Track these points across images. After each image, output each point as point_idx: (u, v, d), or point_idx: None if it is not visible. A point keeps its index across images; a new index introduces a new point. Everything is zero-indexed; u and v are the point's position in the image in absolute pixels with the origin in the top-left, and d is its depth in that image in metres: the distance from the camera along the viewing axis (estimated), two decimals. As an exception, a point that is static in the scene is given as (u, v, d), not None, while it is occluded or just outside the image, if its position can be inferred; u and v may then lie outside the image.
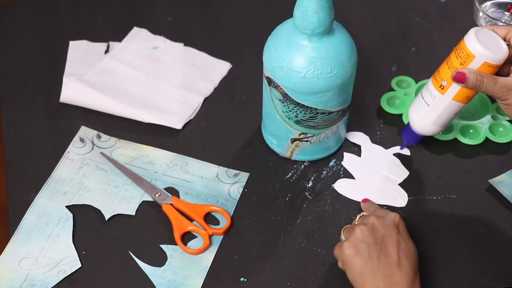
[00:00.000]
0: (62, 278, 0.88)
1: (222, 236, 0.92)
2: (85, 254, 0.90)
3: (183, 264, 0.89)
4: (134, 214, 0.94)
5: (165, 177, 0.97)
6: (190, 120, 1.04)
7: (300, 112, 0.91)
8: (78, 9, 1.19)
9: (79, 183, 0.96)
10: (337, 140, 0.99)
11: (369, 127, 1.03)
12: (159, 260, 0.90)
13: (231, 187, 0.96)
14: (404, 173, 0.98)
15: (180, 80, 1.09)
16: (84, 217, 0.93)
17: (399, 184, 0.97)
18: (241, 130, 1.03)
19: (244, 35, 1.16)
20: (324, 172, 0.98)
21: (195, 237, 0.92)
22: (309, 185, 0.97)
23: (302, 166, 0.99)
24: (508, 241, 0.92)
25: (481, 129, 1.02)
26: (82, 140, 1.01)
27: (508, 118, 1.02)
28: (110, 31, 1.15)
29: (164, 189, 0.96)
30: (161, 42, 1.14)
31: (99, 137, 1.01)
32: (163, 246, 0.91)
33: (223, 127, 1.04)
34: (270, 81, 0.90)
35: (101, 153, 1.00)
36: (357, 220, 0.87)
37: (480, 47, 0.82)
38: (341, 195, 0.96)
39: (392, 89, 1.08)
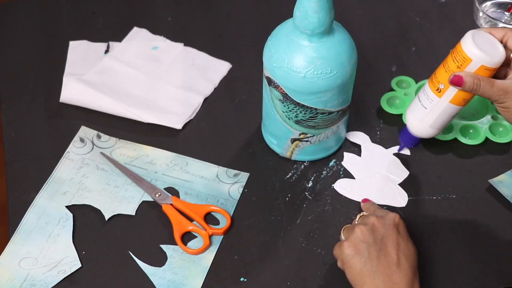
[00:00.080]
0: (62, 278, 0.88)
1: (222, 236, 0.92)
2: (85, 254, 0.90)
3: (183, 264, 0.89)
4: (134, 214, 0.94)
5: (165, 177, 0.97)
6: (190, 120, 1.04)
7: (300, 112, 0.91)
8: (78, 9, 1.19)
9: (79, 183, 0.96)
10: (337, 140, 0.99)
11: (369, 127, 1.03)
12: (159, 260, 0.90)
13: (231, 187, 0.96)
14: (404, 173, 0.98)
15: (180, 80, 1.09)
16: (84, 217, 0.93)
17: (399, 184, 0.97)
18: (241, 130, 1.03)
19: (244, 35, 1.16)
20: (324, 172, 0.98)
21: (195, 237, 0.92)
22: (309, 185, 0.97)
23: (302, 166, 0.99)
24: (508, 241, 0.92)
25: (481, 129, 1.02)
26: (82, 140, 1.01)
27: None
28: (110, 31, 1.15)
29: (164, 189, 0.96)
30: (161, 42, 1.14)
31: (99, 137, 1.01)
32: (163, 246, 0.91)
33: (223, 127, 1.04)
34: (270, 81, 0.90)
35: (101, 153, 1.00)
36: (357, 220, 0.87)
37: (477, 50, 0.81)
38: (341, 195, 0.96)
39: (392, 89, 1.08)
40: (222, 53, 1.13)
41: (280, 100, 0.91)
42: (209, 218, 0.94)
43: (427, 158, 1.00)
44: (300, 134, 0.95)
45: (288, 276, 0.88)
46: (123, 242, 0.91)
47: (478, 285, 0.88)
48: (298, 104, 0.90)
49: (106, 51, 1.13)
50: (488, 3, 1.04)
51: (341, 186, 0.97)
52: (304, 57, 0.86)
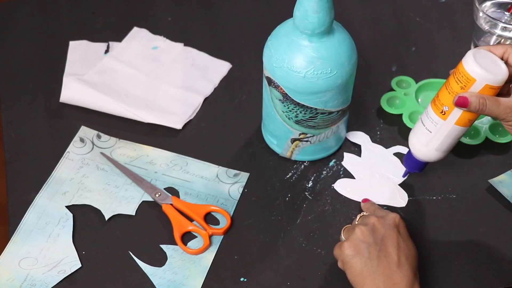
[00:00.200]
0: (62, 278, 0.88)
1: (222, 236, 0.92)
2: (85, 254, 0.90)
3: (183, 264, 0.89)
4: (134, 214, 0.94)
5: (165, 177, 0.97)
6: (190, 120, 1.04)
7: (300, 112, 0.91)
8: (78, 9, 1.19)
9: (79, 183, 0.96)
10: (337, 140, 0.99)
11: (369, 127, 1.03)
12: (159, 260, 0.90)
13: (231, 187, 0.96)
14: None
15: (180, 80, 1.09)
16: (84, 217, 0.93)
17: (399, 184, 0.97)
18: (241, 130, 1.03)
19: (244, 35, 1.16)
20: (324, 172, 0.98)
21: (195, 237, 0.92)
22: (309, 185, 0.97)
23: (302, 166, 0.99)
24: (508, 241, 0.92)
25: (481, 129, 1.02)
26: (82, 140, 1.01)
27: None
28: (110, 31, 1.15)
29: (164, 189, 0.96)
30: (161, 42, 1.14)
31: (99, 137, 1.01)
32: (163, 246, 0.91)
33: (223, 127, 1.04)
34: (270, 81, 0.90)
35: (101, 153, 1.00)
36: (357, 220, 0.87)
37: (480, 70, 0.79)
38: (341, 195, 0.96)
39: (392, 89, 1.08)
40: (222, 53, 1.13)
41: (280, 100, 0.91)
42: (209, 218, 0.94)
43: (427, 158, 1.00)
44: (300, 134, 0.95)
45: (288, 276, 0.88)
46: (123, 242, 0.91)
47: (478, 285, 0.88)
48: (298, 104, 0.90)
49: (106, 51, 1.13)
50: (488, 3, 1.03)
51: (341, 186, 0.97)
52: (304, 57, 0.86)
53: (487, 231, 0.93)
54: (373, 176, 0.98)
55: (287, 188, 0.97)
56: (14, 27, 1.16)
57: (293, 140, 0.96)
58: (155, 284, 0.87)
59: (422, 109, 1.03)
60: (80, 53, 1.12)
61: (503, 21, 1.01)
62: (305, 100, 0.89)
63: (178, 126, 1.03)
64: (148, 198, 0.95)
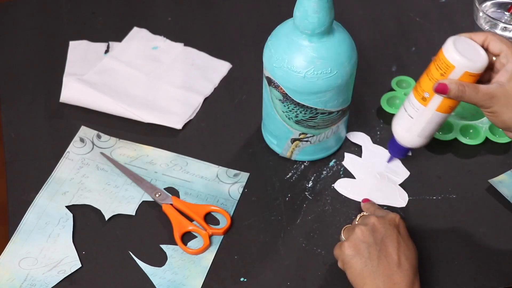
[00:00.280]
0: (62, 278, 0.88)
1: (222, 236, 0.92)
2: (85, 254, 0.90)
3: (183, 264, 0.89)
4: (134, 214, 0.94)
5: (165, 177, 0.97)
6: (190, 120, 1.04)
7: (300, 112, 0.91)
8: (78, 9, 1.19)
9: (79, 183, 0.96)
10: (337, 140, 0.99)
11: (369, 127, 1.03)
12: (159, 260, 0.90)
13: (231, 187, 0.96)
14: (404, 173, 0.98)
15: (180, 80, 1.09)
16: (84, 217, 0.93)
17: (399, 184, 0.97)
18: (241, 130, 1.03)
19: (244, 35, 1.16)
20: (324, 172, 0.98)
21: (195, 237, 0.92)
22: (309, 185, 0.97)
23: (302, 166, 0.99)
24: (508, 241, 0.92)
25: (481, 129, 1.02)
26: (82, 140, 1.01)
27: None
28: (110, 31, 1.15)
29: (164, 189, 0.96)
30: (161, 42, 1.14)
31: (99, 137, 1.01)
32: (163, 246, 0.91)
33: (223, 127, 1.04)
34: (270, 81, 0.90)
35: (101, 153, 1.00)
36: (357, 220, 0.87)
37: (459, 57, 0.80)
38: (341, 195, 0.96)
39: (392, 89, 1.08)
40: (222, 53, 1.13)
41: (280, 100, 0.91)
42: (209, 218, 0.94)
43: (427, 158, 1.00)
44: (300, 134, 0.95)
45: (288, 276, 0.88)
46: (123, 242, 0.91)
47: (478, 285, 0.88)
48: (298, 104, 0.90)
49: (106, 51, 1.13)
50: (488, 3, 1.04)
51: (341, 186, 0.97)
52: (304, 57, 0.86)
53: (487, 231, 0.93)
54: (373, 176, 0.98)
55: (287, 188, 0.97)
56: (14, 27, 1.16)
57: (293, 140, 0.96)
58: (155, 284, 0.87)
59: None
60: (80, 53, 1.12)
61: (503, 21, 1.01)
62: (305, 100, 0.89)
63: (178, 126, 1.03)
64: (148, 198, 0.95)
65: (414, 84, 1.07)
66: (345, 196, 0.96)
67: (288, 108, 0.91)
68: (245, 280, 0.88)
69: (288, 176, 0.98)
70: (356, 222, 0.87)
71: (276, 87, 0.89)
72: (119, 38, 1.14)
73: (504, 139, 1.01)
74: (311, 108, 0.90)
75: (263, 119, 1.00)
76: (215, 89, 1.08)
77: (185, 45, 1.14)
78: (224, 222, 0.93)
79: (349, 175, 0.98)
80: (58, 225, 0.92)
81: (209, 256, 0.90)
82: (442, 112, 0.85)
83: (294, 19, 0.85)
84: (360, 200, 0.95)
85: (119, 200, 0.95)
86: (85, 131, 1.02)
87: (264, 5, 1.21)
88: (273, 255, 0.90)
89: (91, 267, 0.89)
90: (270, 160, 0.99)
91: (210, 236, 0.91)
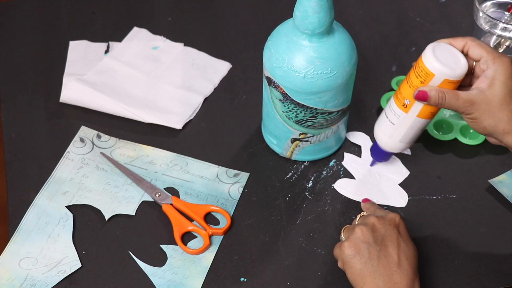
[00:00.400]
0: (62, 278, 0.88)
1: (222, 236, 0.92)
2: (85, 254, 0.90)
3: (183, 264, 0.89)
4: (134, 214, 0.94)
5: (165, 177, 0.97)
6: (190, 120, 1.04)
7: (300, 112, 0.91)
8: (78, 9, 1.19)
9: (79, 183, 0.96)
10: (337, 140, 0.99)
11: (369, 127, 1.03)
12: (159, 260, 0.90)
13: (231, 187, 0.96)
14: (404, 173, 0.98)
15: (180, 80, 1.09)
16: (84, 217, 0.93)
17: (399, 184, 0.97)
18: (241, 130, 1.03)
19: (244, 35, 1.16)
20: (324, 172, 0.98)
21: (195, 237, 0.92)
22: (309, 185, 0.97)
23: (302, 166, 0.99)
24: (508, 241, 0.92)
25: (481, 129, 1.02)
26: (82, 140, 1.01)
27: (508, 118, 1.02)
28: (110, 31, 1.15)
29: (164, 189, 0.96)
30: (161, 42, 1.14)
31: (99, 137, 1.01)
32: (163, 246, 0.91)
33: (223, 127, 1.04)
34: (270, 81, 0.90)
35: (101, 153, 1.00)
36: (357, 220, 0.87)
37: (438, 65, 0.80)
38: (341, 195, 0.96)
39: (392, 89, 1.08)
40: (222, 53, 1.13)
41: (280, 100, 0.91)
42: (209, 218, 0.94)
43: (427, 158, 1.00)
44: (300, 134, 0.95)
45: (288, 276, 0.88)
46: (123, 242, 0.91)
47: (478, 285, 0.88)
48: (298, 104, 0.90)
49: (106, 51, 1.13)
50: (488, 3, 1.04)
51: (341, 186, 0.97)
52: (304, 57, 0.86)
53: (487, 231, 0.93)
54: (373, 176, 0.98)
55: (287, 188, 0.97)
56: (14, 27, 1.16)
57: (293, 140, 0.96)
58: (155, 284, 0.87)
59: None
60: (80, 53, 1.12)
61: (503, 21, 1.01)
62: (305, 100, 0.89)
63: (178, 126, 1.03)
64: (148, 198, 0.95)
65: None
66: (345, 196, 0.96)
67: (288, 108, 0.91)
68: (245, 280, 0.88)
69: (288, 176, 0.98)
70: (356, 222, 0.87)
71: (276, 87, 0.89)
72: (119, 38, 1.14)
73: (504, 139, 1.01)
74: (311, 108, 0.90)
75: (263, 119, 1.00)
76: (215, 89, 1.08)
77: (185, 45, 1.14)
78: (224, 222, 0.93)
79: (349, 175, 0.98)
80: (58, 225, 0.92)
81: (209, 256, 0.90)
82: (423, 118, 0.86)
83: (294, 19, 0.85)
84: (360, 200, 0.95)
85: (119, 200, 0.95)
86: (85, 131, 1.02)
87: (264, 5, 1.21)
88: (273, 255, 0.90)
89: (91, 267, 0.89)
90: (270, 160, 0.99)
91: (210, 236, 0.91)
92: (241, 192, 0.96)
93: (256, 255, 0.90)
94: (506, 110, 0.79)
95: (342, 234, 0.88)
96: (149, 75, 1.09)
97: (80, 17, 1.18)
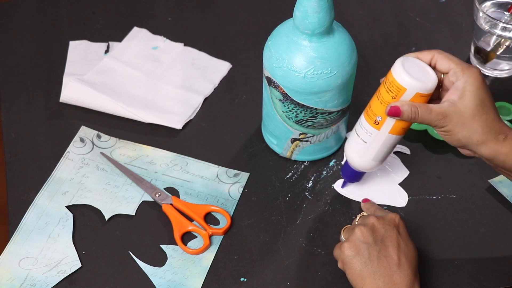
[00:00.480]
0: (62, 278, 0.88)
1: (222, 236, 0.92)
2: (85, 254, 0.90)
3: (183, 264, 0.89)
4: (134, 214, 0.94)
5: (165, 177, 0.97)
6: (190, 120, 1.04)
7: (300, 112, 0.91)
8: (78, 9, 1.19)
9: (79, 183, 0.96)
10: (337, 140, 0.99)
11: (369, 127, 1.03)
12: (159, 260, 0.90)
13: (231, 187, 0.96)
14: (404, 173, 0.98)
15: (180, 80, 1.09)
16: (84, 217, 0.93)
17: (399, 184, 0.97)
18: (241, 130, 1.03)
19: (244, 35, 1.16)
20: (324, 172, 0.98)
21: (195, 237, 0.92)
22: (309, 185, 0.97)
23: (302, 166, 0.99)
24: (508, 241, 0.92)
25: (481, 129, 1.02)
26: (82, 140, 1.01)
27: (508, 118, 1.02)
28: (110, 31, 1.15)
29: (164, 189, 0.96)
30: (161, 42, 1.14)
31: (99, 137, 1.01)
32: (163, 246, 0.91)
33: (223, 127, 1.04)
34: (270, 81, 0.90)
35: (101, 153, 1.00)
36: (357, 220, 0.87)
37: (409, 79, 0.79)
38: (341, 195, 0.96)
39: (392, 89, 1.07)
40: (222, 53, 1.13)
41: (280, 100, 0.91)
42: (209, 218, 0.94)
43: (427, 158, 1.00)
44: (300, 134, 0.95)
45: (288, 276, 0.88)
46: (123, 242, 0.91)
47: (478, 285, 0.88)
48: (298, 104, 0.90)
49: (106, 51, 1.13)
50: (488, 3, 1.04)
51: (341, 186, 0.97)
52: (304, 57, 0.86)
53: (487, 231, 0.93)
54: (373, 176, 0.98)
55: (287, 188, 0.97)
56: (14, 27, 1.16)
57: (293, 140, 0.96)
58: (155, 284, 0.87)
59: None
60: (80, 53, 1.12)
61: (503, 21, 1.01)
62: (305, 100, 0.89)
63: (178, 126, 1.03)
64: (148, 198, 0.95)
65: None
66: (345, 196, 0.96)
67: (288, 108, 0.91)
68: (245, 280, 0.88)
69: (288, 176, 0.98)
70: (356, 222, 0.87)
71: (276, 87, 0.89)
72: (119, 38, 1.14)
73: (504, 139, 1.01)
74: (311, 108, 0.90)
75: (263, 119, 1.00)
76: (215, 89, 1.08)
77: (185, 45, 1.14)
78: (224, 222, 0.93)
79: (349, 175, 0.98)
80: (58, 225, 0.92)
81: (209, 256, 0.90)
82: (395, 134, 0.84)
83: (294, 19, 0.85)
84: (360, 200, 0.95)
85: (119, 200, 0.95)
86: (85, 131, 1.02)
87: (264, 5, 1.21)
88: (273, 255, 0.90)
89: (91, 267, 0.89)
90: (270, 160, 0.99)
91: (210, 236, 0.91)
92: (241, 192, 0.96)
93: (256, 255, 0.90)
94: (479, 121, 0.78)
95: (342, 235, 0.88)
96: (149, 75, 1.09)
97: (80, 17, 1.18)
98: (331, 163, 0.99)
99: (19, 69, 1.10)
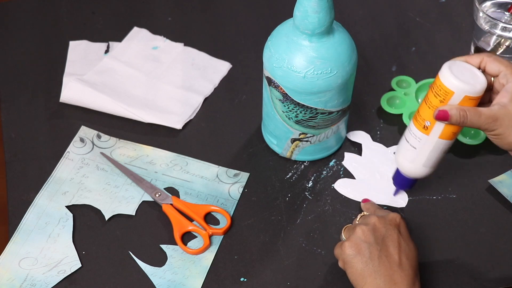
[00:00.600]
0: (62, 278, 0.88)
1: (222, 236, 0.92)
2: (85, 254, 0.90)
3: (183, 264, 0.89)
4: (134, 214, 0.94)
5: (165, 177, 0.97)
6: (190, 120, 1.04)
7: (300, 112, 0.91)
8: (78, 9, 1.19)
9: (79, 183, 0.96)
10: (337, 140, 0.99)
11: (369, 127, 1.03)
12: (159, 260, 0.90)
13: (231, 187, 0.96)
14: (404, 173, 0.98)
15: (180, 80, 1.09)
16: (84, 217, 0.93)
17: (399, 184, 0.97)
18: (241, 130, 1.03)
19: (244, 35, 1.16)
20: (324, 172, 0.98)
21: (195, 237, 0.92)
22: (309, 185, 0.97)
23: (302, 166, 0.99)
24: (508, 241, 0.92)
25: (481, 129, 1.02)
26: (82, 140, 1.01)
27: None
28: (110, 31, 1.15)
29: (164, 189, 0.96)
30: (161, 42, 1.14)
31: (99, 137, 1.01)
32: (163, 246, 0.91)
33: (223, 127, 1.04)
34: (270, 81, 0.90)
35: (101, 153, 1.00)
36: (357, 220, 0.87)
37: (457, 82, 0.78)
38: (341, 195, 0.96)
39: (392, 89, 1.08)
40: (222, 53, 1.13)
41: (280, 100, 0.91)
42: (209, 218, 0.94)
43: (427, 158, 1.00)
44: (300, 134, 0.95)
45: (288, 276, 0.88)
46: (123, 242, 0.91)
47: (478, 285, 0.88)
48: (298, 104, 0.90)
49: (106, 51, 1.13)
50: (488, 3, 1.04)
51: (341, 186, 0.97)
52: (304, 57, 0.86)
53: (487, 231, 0.93)
54: (373, 176, 0.98)
55: (287, 188, 0.97)
56: (14, 27, 1.16)
57: (293, 140, 0.96)
58: (155, 284, 0.87)
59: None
60: (80, 53, 1.12)
61: (503, 21, 1.01)
62: (305, 100, 0.89)
63: (178, 126, 1.03)
64: (148, 198, 0.95)
65: (414, 84, 1.07)
66: (345, 196, 0.96)
67: (288, 108, 0.91)
68: (245, 280, 0.88)
69: (288, 176, 0.98)
70: (357, 222, 0.87)
71: (276, 87, 0.89)
72: (119, 38, 1.14)
73: (504, 139, 1.01)
74: (311, 108, 0.90)
75: (263, 119, 1.00)
76: (215, 89, 1.08)
77: (185, 45, 1.14)
78: (224, 222, 0.93)
79: (349, 175, 0.98)
80: (58, 225, 0.92)
81: (209, 256, 0.90)
82: (445, 139, 0.83)
83: (294, 19, 0.85)
84: (360, 200, 0.95)
85: (119, 200, 0.95)
86: (85, 131, 1.02)
87: (264, 5, 1.21)
88: (273, 255, 0.90)
89: (91, 267, 0.89)
90: (270, 160, 0.99)
91: (210, 236, 0.91)
92: (241, 192, 0.96)
93: (256, 255, 0.90)
94: None
95: (342, 234, 0.88)
96: (149, 75, 1.09)
97: (80, 17, 1.18)
98: (331, 163, 0.99)
99: (19, 69, 1.10)
